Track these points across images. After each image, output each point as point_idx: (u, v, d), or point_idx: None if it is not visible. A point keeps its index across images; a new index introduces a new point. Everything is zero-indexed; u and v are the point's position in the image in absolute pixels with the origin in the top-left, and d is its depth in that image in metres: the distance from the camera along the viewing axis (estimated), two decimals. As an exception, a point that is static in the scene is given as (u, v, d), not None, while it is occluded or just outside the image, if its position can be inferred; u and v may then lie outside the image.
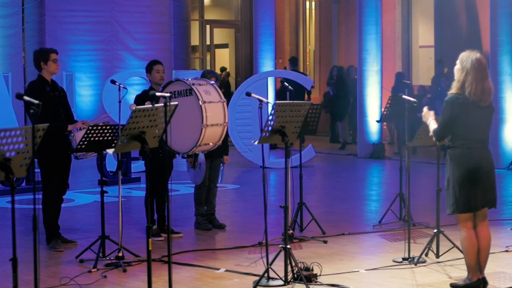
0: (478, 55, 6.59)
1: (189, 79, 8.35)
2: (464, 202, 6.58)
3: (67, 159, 8.48)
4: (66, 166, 8.58)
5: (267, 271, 7.03)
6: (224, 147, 9.15)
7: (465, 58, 6.59)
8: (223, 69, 23.93)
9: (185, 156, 8.69)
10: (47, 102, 8.02)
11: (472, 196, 6.58)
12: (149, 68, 9.13)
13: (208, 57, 24.38)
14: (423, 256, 7.78)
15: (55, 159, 8.40)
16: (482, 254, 6.68)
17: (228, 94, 16.59)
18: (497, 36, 14.55)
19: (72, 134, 8.37)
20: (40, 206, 8.38)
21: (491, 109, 6.73)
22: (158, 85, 8.96)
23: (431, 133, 6.78)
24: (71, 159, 8.56)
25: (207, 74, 9.31)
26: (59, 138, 8.23)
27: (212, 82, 8.41)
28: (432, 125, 6.79)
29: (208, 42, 24.17)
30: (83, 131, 8.26)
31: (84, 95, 16.76)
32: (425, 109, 7.02)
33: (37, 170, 8.62)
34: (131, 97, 9.07)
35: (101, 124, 8.09)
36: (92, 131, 7.87)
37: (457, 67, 6.64)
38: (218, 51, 25.78)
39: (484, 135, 6.70)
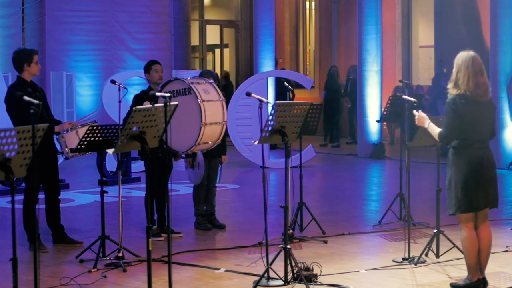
0: (471, 53, 6.62)
1: (188, 78, 8.36)
2: (466, 202, 6.58)
3: (52, 160, 8.44)
4: (53, 167, 8.54)
5: (267, 271, 7.02)
6: (222, 146, 9.16)
7: (458, 57, 6.65)
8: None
9: (183, 155, 8.70)
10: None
11: (473, 196, 6.57)
12: (147, 68, 9.13)
13: (209, 57, 24.39)
14: (423, 256, 7.78)
15: (40, 162, 8.32)
16: (483, 254, 6.68)
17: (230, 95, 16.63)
18: (497, 36, 14.55)
19: (60, 135, 8.37)
20: (21, 206, 8.34)
21: (491, 106, 6.73)
22: (156, 85, 8.95)
23: (436, 138, 6.74)
24: (57, 159, 8.55)
25: (205, 74, 9.32)
26: (43, 140, 8.19)
27: (211, 81, 8.42)
28: (434, 128, 6.76)
29: (208, 42, 24.19)
30: (73, 132, 8.26)
31: (84, 95, 16.75)
32: (416, 113, 6.97)
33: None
34: (131, 97, 9.07)
35: (95, 124, 8.11)
36: (92, 131, 7.87)
37: (454, 68, 6.68)
38: (218, 51, 25.79)
39: (485, 133, 6.70)
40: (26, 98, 5.59)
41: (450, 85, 6.65)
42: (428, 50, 20.65)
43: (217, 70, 25.00)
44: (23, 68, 8.43)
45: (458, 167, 6.60)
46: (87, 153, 8.35)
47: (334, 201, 11.71)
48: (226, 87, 20.47)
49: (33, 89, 8.44)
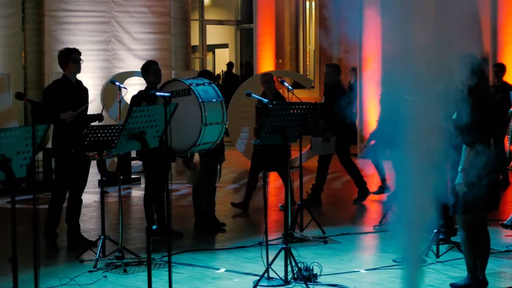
0: (482, 55, 6.62)
1: (187, 78, 8.36)
2: (469, 203, 6.55)
3: (83, 158, 8.47)
4: (83, 165, 8.57)
5: (267, 271, 7.03)
6: (221, 146, 9.16)
7: (471, 60, 6.62)
8: (231, 64, 23.68)
9: (182, 156, 8.71)
10: (63, 100, 8.23)
11: (477, 198, 6.55)
12: (146, 69, 9.11)
13: (209, 57, 24.33)
14: (423, 256, 7.77)
15: (73, 159, 8.44)
16: (483, 254, 6.68)
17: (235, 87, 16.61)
18: (497, 36, 14.55)
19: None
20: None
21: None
22: (155, 86, 8.94)
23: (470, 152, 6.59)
24: (89, 160, 8.59)
25: (203, 74, 9.31)
26: (75, 137, 8.25)
27: (210, 81, 8.43)
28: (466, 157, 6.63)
29: (208, 42, 24.18)
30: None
31: (84, 95, 16.72)
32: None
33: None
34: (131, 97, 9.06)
35: (98, 124, 8.14)
36: (92, 131, 7.88)
37: (466, 69, 6.64)
38: (218, 51, 25.78)
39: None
40: (28, 97, 5.60)
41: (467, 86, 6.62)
42: (428, 50, 20.63)
43: (217, 71, 25.00)
44: (63, 67, 8.62)
45: (473, 168, 6.49)
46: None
47: (334, 201, 11.70)
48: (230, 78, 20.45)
49: (73, 88, 8.59)
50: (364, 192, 11.52)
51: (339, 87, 11.46)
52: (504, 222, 8.75)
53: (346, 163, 11.45)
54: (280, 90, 11.92)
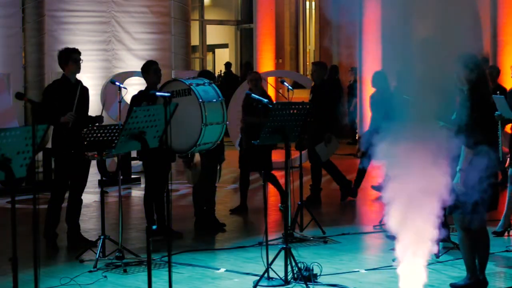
0: (480, 55, 6.63)
1: (187, 78, 8.37)
2: (468, 204, 6.54)
3: (83, 158, 8.47)
4: (82, 165, 8.57)
5: (267, 271, 7.03)
6: (220, 146, 9.16)
7: (470, 59, 6.62)
8: (228, 64, 23.69)
9: (182, 156, 8.72)
10: (63, 100, 8.33)
11: (476, 198, 6.54)
12: (146, 69, 9.11)
13: (209, 57, 24.31)
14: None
15: (72, 159, 8.45)
16: (482, 254, 6.68)
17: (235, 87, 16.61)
18: (497, 36, 14.56)
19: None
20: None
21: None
22: (155, 86, 8.94)
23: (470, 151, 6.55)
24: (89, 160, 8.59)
25: (203, 74, 9.31)
26: (75, 137, 8.25)
27: (210, 81, 8.43)
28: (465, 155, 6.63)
29: (208, 42, 24.17)
30: None
31: (84, 95, 16.69)
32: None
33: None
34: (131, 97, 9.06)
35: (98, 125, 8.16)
36: (92, 131, 7.88)
37: (465, 69, 6.62)
38: (218, 51, 25.77)
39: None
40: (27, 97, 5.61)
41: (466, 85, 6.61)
42: (428, 50, 20.62)
43: (217, 71, 25.00)
44: (63, 67, 8.64)
45: (473, 169, 6.48)
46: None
47: (334, 201, 11.70)
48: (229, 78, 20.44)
49: (73, 88, 8.57)
50: (346, 189, 11.53)
51: (329, 85, 11.46)
52: (496, 229, 8.75)
53: (324, 163, 11.43)
54: (280, 90, 11.93)
